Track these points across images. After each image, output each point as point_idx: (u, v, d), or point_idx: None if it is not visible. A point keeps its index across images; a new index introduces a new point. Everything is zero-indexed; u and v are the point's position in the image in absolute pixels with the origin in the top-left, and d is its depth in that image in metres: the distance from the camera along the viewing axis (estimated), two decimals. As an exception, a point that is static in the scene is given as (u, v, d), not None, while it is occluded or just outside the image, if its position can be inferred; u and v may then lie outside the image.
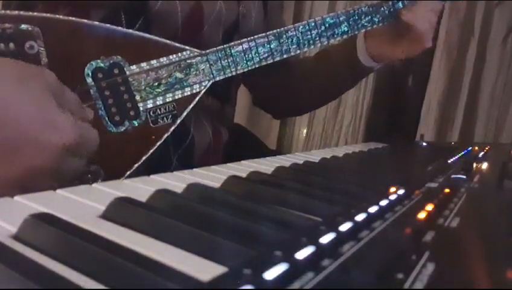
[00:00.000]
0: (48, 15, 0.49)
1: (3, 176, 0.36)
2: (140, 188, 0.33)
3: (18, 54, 0.47)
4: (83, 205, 0.28)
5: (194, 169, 0.42)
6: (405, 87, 1.54)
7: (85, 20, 0.51)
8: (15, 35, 0.47)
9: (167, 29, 0.58)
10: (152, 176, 0.37)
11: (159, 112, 0.54)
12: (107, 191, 0.31)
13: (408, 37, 0.67)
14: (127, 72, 0.52)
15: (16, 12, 0.48)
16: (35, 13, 0.49)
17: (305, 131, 1.55)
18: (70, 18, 0.50)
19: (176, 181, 0.36)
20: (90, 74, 0.51)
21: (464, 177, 0.45)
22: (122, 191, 0.31)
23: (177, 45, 0.55)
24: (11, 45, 0.47)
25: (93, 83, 0.51)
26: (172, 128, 0.55)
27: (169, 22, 0.59)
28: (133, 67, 0.53)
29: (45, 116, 0.37)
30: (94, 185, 0.33)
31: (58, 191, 0.30)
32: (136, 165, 0.52)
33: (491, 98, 1.54)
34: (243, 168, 0.44)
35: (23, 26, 0.48)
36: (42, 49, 0.48)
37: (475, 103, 1.55)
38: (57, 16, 0.50)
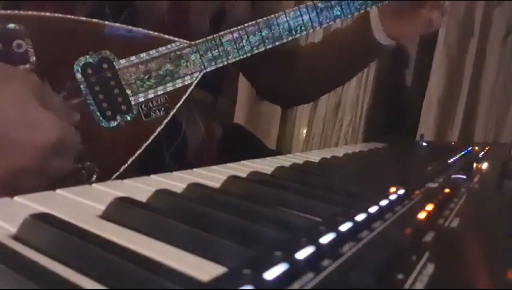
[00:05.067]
0: (34, 13, 0.49)
1: None
2: (140, 188, 0.33)
3: (6, 53, 0.47)
4: (83, 205, 0.28)
5: (194, 169, 0.42)
6: (405, 87, 1.54)
7: (72, 16, 0.50)
8: (2, 34, 0.47)
9: (153, 20, 0.57)
10: (152, 176, 0.37)
11: (151, 105, 0.53)
12: (107, 191, 0.31)
13: (421, 14, 0.66)
14: (117, 67, 0.52)
15: (3, 11, 0.48)
16: (21, 12, 0.48)
17: (305, 131, 1.55)
18: (56, 15, 0.50)
19: (176, 181, 0.36)
20: (79, 70, 0.50)
21: (464, 177, 0.45)
22: (122, 191, 0.31)
23: (166, 36, 0.54)
24: None
25: (83, 79, 0.51)
26: (165, 121, 0.54)
27: (155, 12, 0.58)
28: (123, 61, 0.52)
29: (27, 117, 0.37)
30: (94, 185, 0.33)
31: (58, 191, 0.30)
32: (130, 160, 0.52)
33: (491, 98, 1.53)
34: (242, 168, 0.44)
35: (10, 25, 0.48)
36: (30, 47, 0.48)
37: (475, 102, 1.54)
38: (43, 13, 0.49)
